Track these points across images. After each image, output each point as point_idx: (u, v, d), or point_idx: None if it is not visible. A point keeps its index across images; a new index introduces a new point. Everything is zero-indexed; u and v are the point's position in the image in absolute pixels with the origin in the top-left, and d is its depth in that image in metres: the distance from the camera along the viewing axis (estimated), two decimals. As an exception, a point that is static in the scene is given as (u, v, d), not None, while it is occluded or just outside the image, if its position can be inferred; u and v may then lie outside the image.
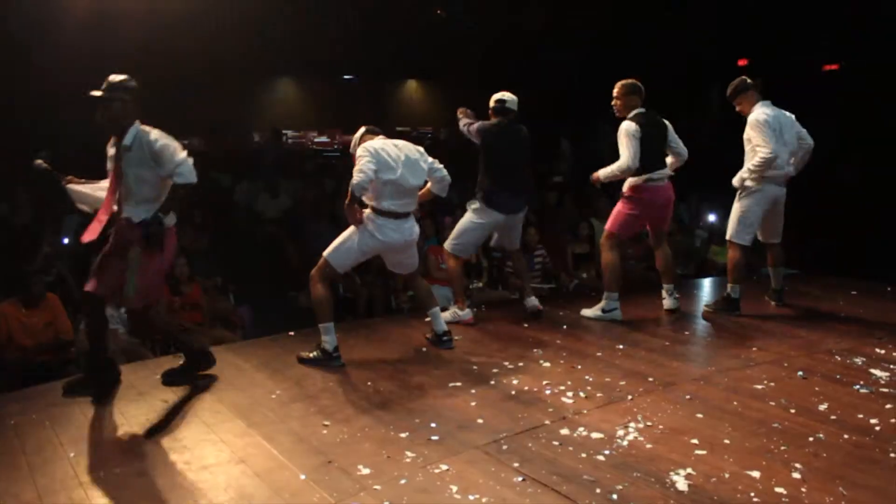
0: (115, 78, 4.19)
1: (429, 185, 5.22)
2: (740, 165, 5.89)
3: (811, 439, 3.60)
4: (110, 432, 3.75)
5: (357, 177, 4.62)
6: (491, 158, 5.75)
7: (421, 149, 5.09)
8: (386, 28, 12.64)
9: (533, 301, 6.08)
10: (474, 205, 5.78)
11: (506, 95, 5.79)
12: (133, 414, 4.02)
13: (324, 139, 15.96)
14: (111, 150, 4.24)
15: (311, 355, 4.82)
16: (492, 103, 5.82)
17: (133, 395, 4.29)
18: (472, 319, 5.82)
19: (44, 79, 9.78)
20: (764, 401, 4.12)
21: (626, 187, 5.88)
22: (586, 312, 6.00)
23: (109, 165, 4.25)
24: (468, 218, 5.83)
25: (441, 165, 5.14)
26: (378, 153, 4.75)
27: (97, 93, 4.14)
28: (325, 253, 4.90)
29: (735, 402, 4.09)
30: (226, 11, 10.69)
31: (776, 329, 5.66)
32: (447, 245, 5.90)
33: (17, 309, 5.80)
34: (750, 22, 11.48)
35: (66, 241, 7.27)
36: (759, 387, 4.35)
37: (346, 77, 16.44)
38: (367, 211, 4.88)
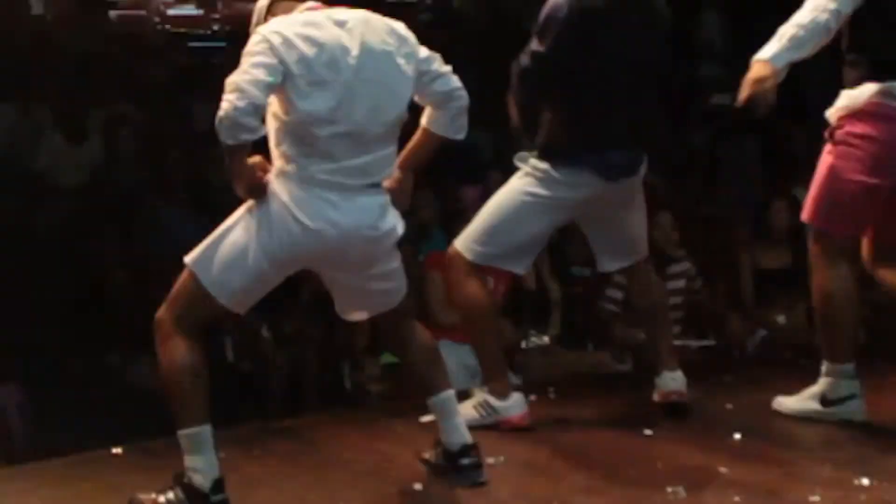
0: None
1: (425, 116, 5.05)
2: None
3: None
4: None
5: (235, 97, 4.39)
6: (575, 69, 5.60)
7: (401, 28, 4.91)
8: None
9: (673, 379, 6.00)
10: (532, 162, 5.73)
11: None
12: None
13: (190, 10, 16.21)
14: None
15: (160, 500, 4.61)
16: None
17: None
18: (526, 418, 5.72)
19: None
20: None
21: None
22: (788, 403, 6.03)
23: None
24: (516, 189, 5.81)
25: (447, 67, 4.97)
26: (290, 43, 4.55)
27: None
28: (188, 260, 4.70)
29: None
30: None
31: None
32: (462, 246, 5.85)
33: None
34: None
35: None
36: None
37: None
38: (271, 176, 4.74)
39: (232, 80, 4.40)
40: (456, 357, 6.25)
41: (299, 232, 4.59)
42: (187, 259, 4.71)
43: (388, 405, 6.53)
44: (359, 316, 5.25)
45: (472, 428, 5.21)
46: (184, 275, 4.72)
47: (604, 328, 7.77)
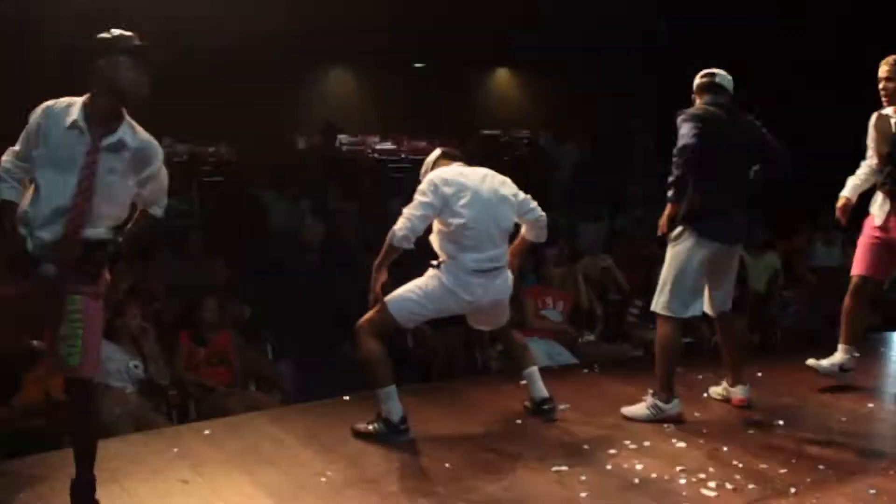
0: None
1: (522, 230, 5.25)
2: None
3: None
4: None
5: (401, 224, 4.74)
6: (701, 162, 4.99)
7: (508, 180, 5.11)
8: (466, 6, 12.68)
9: (743, 389, 5.53)
10: (677, 233, 5.17)
11: (716, 70, 5.26)
12: (144, 496, 4.11)
13: (388, 146, 15.85)
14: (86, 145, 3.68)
15: (369, 428, 4.87)
16: (698, 80, 5.31)
17: (144, 473, 4.38)
18: (682, 415, 5.24)
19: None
20: (979, 497, 4.00)
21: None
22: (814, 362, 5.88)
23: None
24: (673, 255, 5.20)
25: (535, 203, 5.15)
26: (446, 184, 4.83)
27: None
28: (387, 299, 4.90)
29: (939, 499, 3.97)
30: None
31: None
32: (656, 307, 5.28)
33: None
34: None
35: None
36: (972, 478, 4.22)
37: (416, 65, 16.48)
38: (441, 264, 4.93)
39: (406, 210, 4.77)
40: (538, 347, 6.12)
41: (463, 302, 4.89)
42: (387, 298, 4.88)
43: (501, 375, 6.44)
44: (483, 327, 5.43)
45: (645, 421, 5.12)
46: (380, 305, 4.88)
47: (625, 332, 7.67)
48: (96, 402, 4.06)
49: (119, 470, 4.32)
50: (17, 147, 3.74)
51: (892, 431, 5.22)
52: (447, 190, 4.80)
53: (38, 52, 10.31)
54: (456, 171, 4.96)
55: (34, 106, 3.75)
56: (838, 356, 5.80)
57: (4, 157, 3.73)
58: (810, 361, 5.89)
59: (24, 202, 3.71)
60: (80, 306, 3.71)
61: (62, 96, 3.75)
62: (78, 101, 3.70)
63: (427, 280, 4.92)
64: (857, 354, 5.85)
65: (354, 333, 4.93)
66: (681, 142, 4.91)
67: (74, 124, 3.62)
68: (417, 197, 4.81)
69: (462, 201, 4.80)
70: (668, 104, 5.26)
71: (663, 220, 5.10)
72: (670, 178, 4.97)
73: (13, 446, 5.07)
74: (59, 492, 3.84)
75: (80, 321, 3.71)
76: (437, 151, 5.18)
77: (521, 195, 5.10)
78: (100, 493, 3.77)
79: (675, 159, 4.93)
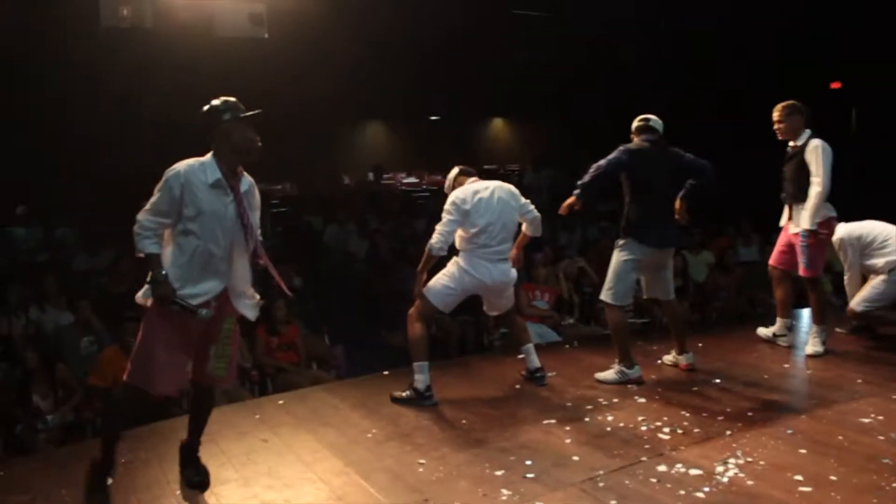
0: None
1: (523, 227, 5.19)
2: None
3: (925, 475, 3.45)
4: (213, 470, 3.85)
5: (436, 238, 4.76)
6: (637, 185, 5.11)
7: (512, 188, 5.08)
8: (470, 68, 12.80)
9: (687, 357, 5.45)
10: (622, 243, 5.17)
11: (650, 116, 5.24)
12: (234, 453, 4.13)
13: (413, 180, 16.11)
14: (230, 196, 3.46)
15: (403, 395, 4.87)
16: (635, 123, 5.26)
17: (234, 435, 4.41)
18: (642, 379, 5.14)
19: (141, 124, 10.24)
20: (872, 435, 3.99)
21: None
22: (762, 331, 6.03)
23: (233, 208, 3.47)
24: (617, 259, 5.17)
25: (532, 205, 5.12)
26: (464, 203, 4.81)
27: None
28: (425, 291, 4.93)
29: (840, 437, 3.97)
30: (312, 56, 10.95)
31: (882, 359, 5.48)
32: (604, 297, 5.23)
33: (119, 355, 5.69)
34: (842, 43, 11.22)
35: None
36: (867, 420, 4.21)
37: (432, 118, 16.67)
38: (461, 252, 4.93)
39: (438, 227, 4.76)
40: (531, 329, 5.91)
41: (475, 280, 4.85)
42: (424, 290, 4.89)
43: (503, 352, 6.34)
44: (494, 312, 5.30)
45: (613, 383, 5.07)
46: (422, 298, 4.90)
47: (596, 315, 7.61)
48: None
49: (216, 433, 4.32)
50: (153, 206, 3.34)
51: (803, 385, 5.19)
52: (466, 207, 4.80)
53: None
54: (472, 190, 4.90)
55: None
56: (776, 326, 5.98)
57: (142, 217, 3.34)
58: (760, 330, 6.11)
59: (168, 256, 3.40)
60: (232, 327, 3.57)
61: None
62: (205, 161, 3.41)
63: (449, 267, 4.96)
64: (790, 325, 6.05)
65: (406, 320, 4.94)
66: (602, 161, 5.01)
67: (218, 183, 3.37)
68: (444, 216, 4.82)
69: (478, 213, 4.80)
70: (621, 140, 5.22)
71: (564, 206, 5.10)
72: (580, 182, 5.04)
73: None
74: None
75: (231, 340, 3.57)
76: (456, 170, 5.13)
77: (522, 199, 5.06)
78: (202, 451, 3.80)
79: (591, 171, 5.01)
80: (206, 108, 3.51)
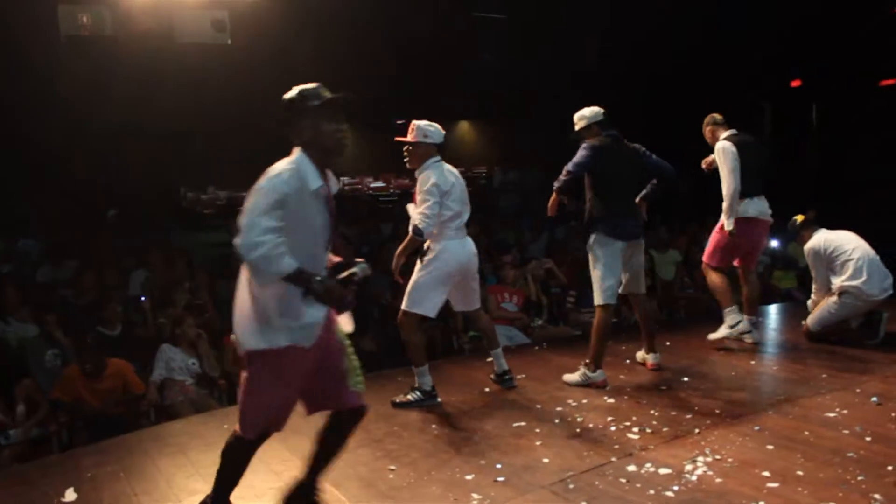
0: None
1: None
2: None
3: (890, 468, 3.50)
4: (181, 482, 3.80)
5: (422, 220, 4.65)
6: (601, 181, 5.13)
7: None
8: (436, 71, 12.78)
9: (654, 357, 5.53)
10: (591, 242, 5.14)
11: (600, 108, 5.28)
12: (203, 463, 4.07)
13: (379, 184, 16.05)
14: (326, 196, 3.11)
15: (409, 398, 4.92)
16: (597, 118, 5.25)
17: (202, 445, 4.35)
18: (606, 382, 5.11)
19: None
20: (837, 429, 4.04)
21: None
22: (718, 334, 5.94)
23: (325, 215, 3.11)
24: (597, 256, 5.11)
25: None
26: (442, 186, 4.76)
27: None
28: (405, 306, 4.84)
29: (806, 432, 4.01)
30: (275, 62, 10.82)
31: (846, 354, 5.55)
32: (598, 301, 5.11)
33: (82, 376, 5.71)
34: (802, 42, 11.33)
35: (143, 298, 7.15)
36: (832, 415, 4.26)
37: (398, 121, 16.60)
38: (428, 245, 4.85)
39: (422, 209, 4.64)
40: (500, 331, 5.82)
41: (451, 263, 4.79)
42: (404, 306, 4.83)
43: (473, 355, 6.45)
44: (465, 306, 5.15)
45: (578, 385, 5.09)
46: (407, 309, 4.83)
47: (566, 315, 7.67)
48: None
49: (184, 444, 4.30)
50: (268, 218, 2.83)
51: (769, 382, 5.24)
52: (445, 189, 4.76)
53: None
54: (448, 170, 4.90)
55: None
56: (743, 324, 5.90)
57: (263, 235, 2.80)
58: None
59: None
60: (345, 336, 3.22)
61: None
62: (300, 161, 3.02)
63: (420, 272, 4.85)
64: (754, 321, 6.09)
65: (398, 325, 4.90)
66: (573, 162, 5.09)
67: (320, 188, 3.01)
68: (427, 198, 4.70)
69: (452, 197, 4.78)
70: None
71: (551, 206, 5.27)
72: (556, 186, 5.14)
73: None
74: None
75: (350, 351, 3.24)
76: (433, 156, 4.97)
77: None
78: (168, 462, 3.78)
79: (564, 173, 5.09)
80: (288, 95, 3.13)
